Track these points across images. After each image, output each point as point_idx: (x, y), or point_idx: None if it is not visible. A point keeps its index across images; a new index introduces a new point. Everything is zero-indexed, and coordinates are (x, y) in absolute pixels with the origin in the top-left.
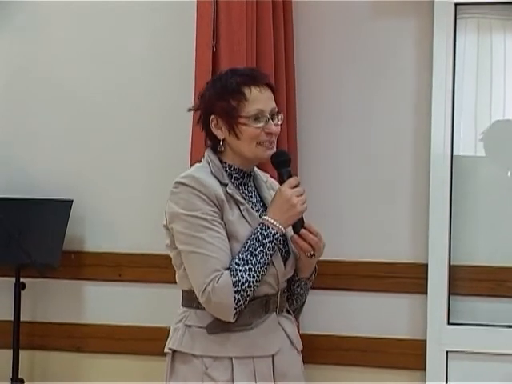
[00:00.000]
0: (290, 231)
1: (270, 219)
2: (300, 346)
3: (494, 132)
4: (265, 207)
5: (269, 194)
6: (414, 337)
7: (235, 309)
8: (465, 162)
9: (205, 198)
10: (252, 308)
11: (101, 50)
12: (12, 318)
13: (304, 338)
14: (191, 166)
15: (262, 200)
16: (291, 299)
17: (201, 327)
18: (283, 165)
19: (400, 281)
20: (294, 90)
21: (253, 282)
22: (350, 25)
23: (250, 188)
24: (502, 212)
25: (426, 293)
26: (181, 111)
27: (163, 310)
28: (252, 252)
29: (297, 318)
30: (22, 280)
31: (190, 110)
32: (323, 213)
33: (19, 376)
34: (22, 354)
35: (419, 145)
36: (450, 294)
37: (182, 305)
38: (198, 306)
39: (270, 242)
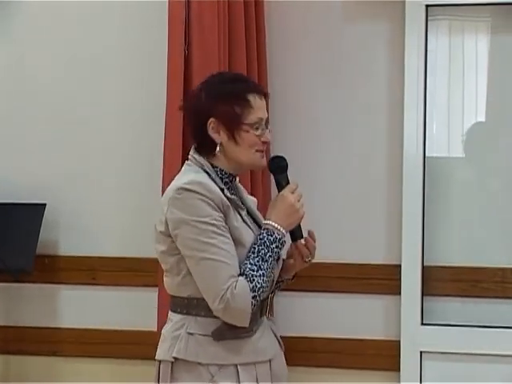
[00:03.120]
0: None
1: (274, 224)
2: (283, 347)
3: (468, 132)
4: (246, 210)
5: (247, 198)
6: (387, 338)
7: (250, 314)
8: (437, 163)
9: (212, 203)
10: (253, 313)
11: (73, 54)
12: None
13: None
14: (164, 169)
15: (242, 203)
16: None
17: (204, 335)
18: (282, 170)
19: (373, 282)
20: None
21: (265, 287)
22: (322, 28)
23: (234, 192)
24: (475, 213)
25: (399, 294)
26: (154, 115)
27: (138, 314)
28: (263, 257)
29: None
30: None
31: (180, 109)
32: None
33: None
34: None
35: (392, 146)
36: (423, 294)
37: (177, 312)
38: (199, 314)
39: (276, 246)
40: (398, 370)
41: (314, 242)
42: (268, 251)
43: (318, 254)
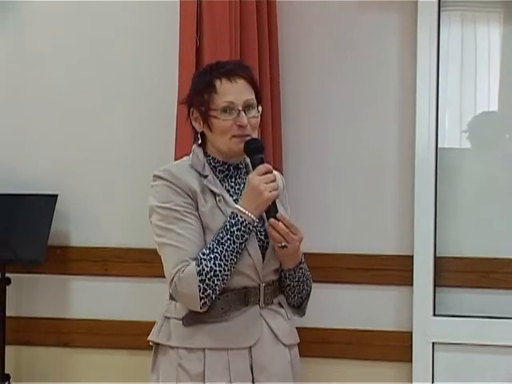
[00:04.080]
0: None
1: (239, 207)
2: (288, 340)
3: (480, 123)
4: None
5: None
6: (399, 329)
7: (202, 298)
8: (450, 154)
9: (178, 189)
10: (226, 300)
11: (85, 48)
12: None
13: None
14: (175, 160)
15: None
16: (285, 292)
17: (178, 319)
18: (254, 152)
19: (386, 273)
20: (278, 86)
21: (220, 271)
22: (335, 19)
23: (238, 180)
24: (487, 204)
25: (411, 285)
26: (165, 107)
27: (150, 305)
28: (219, 240)
29: (301, 313)
30: (7, 275)
31: (181, 103)
32: (309, 206)
33: (5, 372)
34: (8, 349)
35: (404, 137)
36: (435, 285)
37: (168, 297)
38: None
39: (238, 229)
40: (410, 360)
41: (287, 227)
42: (226, 234)
43: (330, 246)
